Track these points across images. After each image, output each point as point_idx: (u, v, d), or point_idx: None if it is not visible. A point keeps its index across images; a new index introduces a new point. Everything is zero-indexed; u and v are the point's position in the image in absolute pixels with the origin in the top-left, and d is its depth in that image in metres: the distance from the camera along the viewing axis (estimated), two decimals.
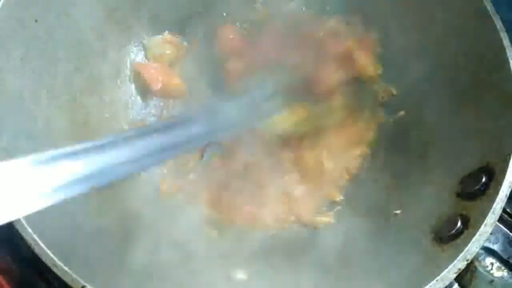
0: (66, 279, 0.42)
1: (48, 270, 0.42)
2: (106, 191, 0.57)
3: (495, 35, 0.55)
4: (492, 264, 0.71)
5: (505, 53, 0.54)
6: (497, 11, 0.57)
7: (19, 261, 0.60)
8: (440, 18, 0.63)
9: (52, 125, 0.58)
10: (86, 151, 0.39)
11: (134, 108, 0.73)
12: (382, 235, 0.58)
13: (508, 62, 0.54)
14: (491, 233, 0.72)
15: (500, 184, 0.49)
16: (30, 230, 0.43)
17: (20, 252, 0.59)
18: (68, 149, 0.38)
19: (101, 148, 0.40)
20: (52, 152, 0.36)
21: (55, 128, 0.58)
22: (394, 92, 0.73)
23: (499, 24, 0.56)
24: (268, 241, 0.67)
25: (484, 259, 0.72)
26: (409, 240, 0.54)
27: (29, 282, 0.60)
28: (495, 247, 0.72)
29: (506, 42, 0.55)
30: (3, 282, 0.59)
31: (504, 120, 0.53)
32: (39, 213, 0.35)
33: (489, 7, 0.57)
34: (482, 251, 0.72)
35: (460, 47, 0.61)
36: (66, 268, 0.42)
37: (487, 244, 0.72)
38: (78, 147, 0.38)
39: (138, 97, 0.74)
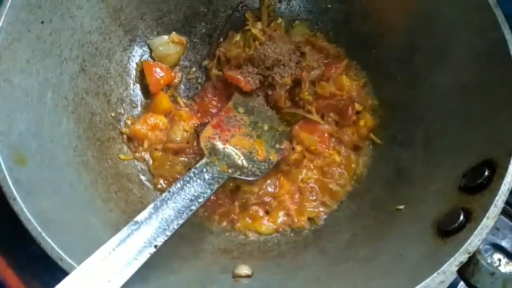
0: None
1: None
2: None
3: (498, 29, 0.55)
4: (499, 260, 0.71)
5: (507, 48, 0.54)
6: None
7: None
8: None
9: (57, 124, 0.59)
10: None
11: (139, 107, 0.74)
12: (385, 230, 0.58)
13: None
14: (498, 229, 0.72)
15: (502, 177, 0.48)
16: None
17: None
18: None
19: None
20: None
21: (60, 127, 0.59)
22: None
23: (501, 18, 0.55)
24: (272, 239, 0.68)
25: (491, 255, 0.71)
26: (412, 234, 0.54)
27: None
28: (503, 243, 0.72)
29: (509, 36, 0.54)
30: None
31: (507, 114, 0.52)
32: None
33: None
34: (489, 247, 0.72)
35: (464, 42, 0.60)
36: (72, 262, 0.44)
37: (495, 240, 0.72)
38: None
39: (143, 96, 0.75)
